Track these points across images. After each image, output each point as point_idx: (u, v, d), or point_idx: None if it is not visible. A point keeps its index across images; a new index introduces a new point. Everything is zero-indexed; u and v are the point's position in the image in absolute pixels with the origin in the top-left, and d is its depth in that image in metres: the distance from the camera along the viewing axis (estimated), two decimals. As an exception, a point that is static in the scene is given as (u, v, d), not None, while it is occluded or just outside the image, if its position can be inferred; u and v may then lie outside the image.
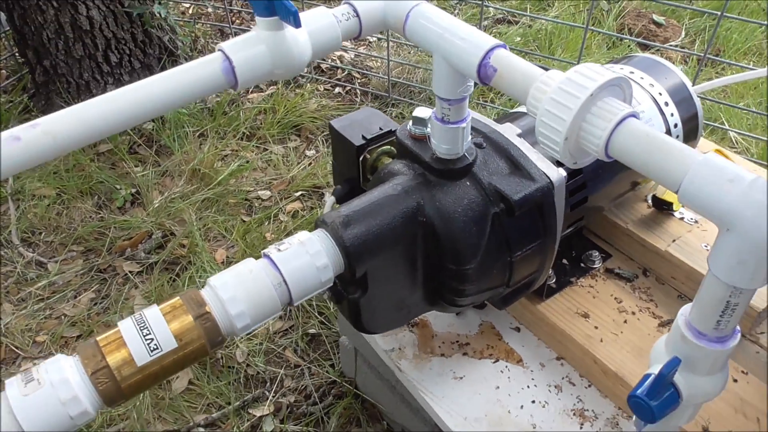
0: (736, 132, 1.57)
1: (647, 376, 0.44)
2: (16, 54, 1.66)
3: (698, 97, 0.76)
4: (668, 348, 0.45)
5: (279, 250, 0.56)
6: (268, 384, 1.08)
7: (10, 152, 0.43)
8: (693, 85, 0.79)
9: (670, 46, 2.01)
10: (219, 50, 0.51)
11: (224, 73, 0.50)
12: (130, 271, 1.23)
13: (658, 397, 0.43)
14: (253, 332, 1.15)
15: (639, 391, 0.43)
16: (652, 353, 0.47)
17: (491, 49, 0.50)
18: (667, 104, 0.74)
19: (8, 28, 1.58)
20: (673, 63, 1.99)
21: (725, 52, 1.98)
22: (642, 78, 0.75)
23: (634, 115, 0.42)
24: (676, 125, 0.74)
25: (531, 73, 0.47)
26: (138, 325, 0.51)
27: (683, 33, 2.12)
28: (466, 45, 0.51)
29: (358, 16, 0.56)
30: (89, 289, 1.21)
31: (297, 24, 0.49)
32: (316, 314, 1.17)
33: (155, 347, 0.50)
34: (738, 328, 0.43)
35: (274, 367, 1.10)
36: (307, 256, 0.56)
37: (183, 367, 0.53)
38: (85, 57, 1.50)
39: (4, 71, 1.74)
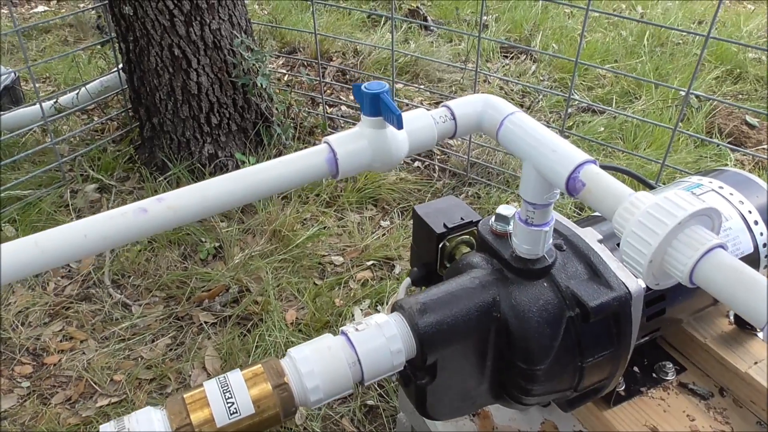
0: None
1: None
2: (129, 110, 1.82)
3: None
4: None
5: (357, 329, 0.59)
6: (322, 452, 1.09)
7: (137, 222, 0.48)
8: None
9: (759, 150, 1.96)
10: (325, 143, 0.56)
11: (328, 163, 0.55)
12: (205, 322, 1.29)
13: None
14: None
15: None
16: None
17: (581, 164, 0.52)
18: (756, 223, 0.73)
19: (126, 86, 1.75)
20: (766, 167, 1.93)
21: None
22: (731, 194, 0.75)
23: (722, 246, 0.43)
24: (765, 245, 0.73)
25: (620, 192, 0.49)
26: (221, 387, 0.54)
27: (777, 137, 2.07)
28: (557, 157, 0.54)
29: (454, 119, 0.60)
30: (166, 335, 1.27)
31: (400, 126, 0.54)
32: (376, 386, 1.18)
33: (234, 411, 0.53)
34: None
35: (330, 435, 1.11)
36: (382, 339, 0.58)
37: (256, 433, 0.56)
38: (190, 118, 1.63)
39: (115, 123, 1.91)
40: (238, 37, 1.57)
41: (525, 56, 2.59)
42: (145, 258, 1.44)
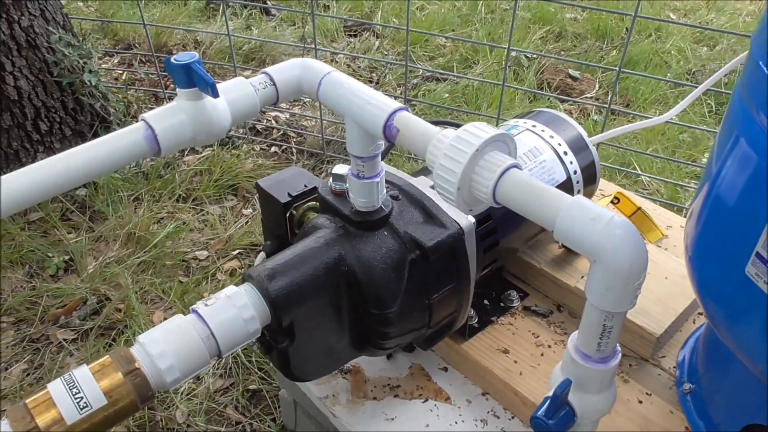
0: (648, 176, 1.69)
1: (547, 398, 0.49)
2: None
3: (605, 144, 0.85)
4: (563, 372, 0.50)
5: (206, 304, 0.59)
6: (208, 445, 1.07)
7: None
8: (598, 135, 0.88)
9: (585, 98, 2.16)
10: (142, 120, 0.55)
11: (147, 141, 0.54)
12: (65, 339, 1.21)
13: (555, 416, 0.47)
14: (193, 393, 1.14)
15: (539, 413, 0.48)
16: (551, 379, 0.52)
17: (394, 112, 0.56)
18: (566, 153, 0.81)
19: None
20: (590, 114, 2.13)
21: (634, 102, 2.14)
22: (543, 131, 0.83)
23: (516, 166, 0.48)
24: (575, 172, 0.81)
25: (429, 132, 0.53)
26: (67, 385, 0.52)
27: (597, 86, 2.29)
28: (373, 108, 0.57)
29: (274, 84, 0.61)
30: (21, 360, 1.18)
31: (215, 94, 0.54)
32: (256, 370, 1.18)
33: (85, 405, 0.51)
34: (618, 348, 0.48)
35: (216, 425, 1.10)
36: (234, 309, 0.59)
37: (114, 424, 0.54)
38: (14, 126, 1.50)
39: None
40: (55, 34, 1.46)
41: (368, 33, 2.64)
42: (-15, 284, 1.32)
